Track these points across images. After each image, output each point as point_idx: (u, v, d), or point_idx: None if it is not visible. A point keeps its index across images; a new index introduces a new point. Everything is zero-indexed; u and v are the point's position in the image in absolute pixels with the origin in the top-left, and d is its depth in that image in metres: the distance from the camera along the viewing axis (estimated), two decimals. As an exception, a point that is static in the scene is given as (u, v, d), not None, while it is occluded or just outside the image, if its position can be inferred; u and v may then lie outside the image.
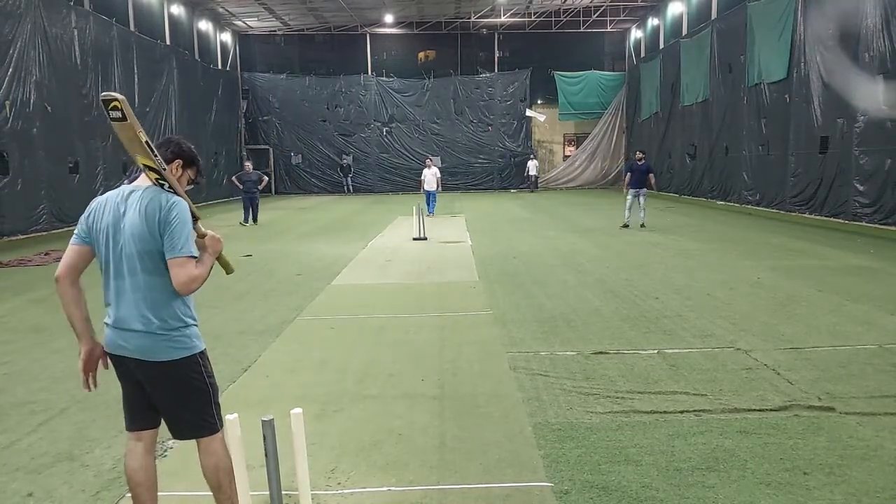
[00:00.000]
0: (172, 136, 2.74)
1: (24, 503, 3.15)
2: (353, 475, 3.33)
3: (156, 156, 2.47)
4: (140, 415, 2.66)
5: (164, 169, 2.50)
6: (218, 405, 2.68)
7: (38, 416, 4.21)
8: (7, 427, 4.05)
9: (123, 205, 2.50)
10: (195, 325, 2.62)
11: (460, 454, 3.53)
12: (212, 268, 2.60)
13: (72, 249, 2.56)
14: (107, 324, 2.57)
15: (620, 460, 3.40)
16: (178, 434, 2.68)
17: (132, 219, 2.46)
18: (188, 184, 2.76)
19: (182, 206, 2.50)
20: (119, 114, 2.36)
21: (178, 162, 2.68)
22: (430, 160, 19.50)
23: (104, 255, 2.52)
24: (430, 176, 18.24)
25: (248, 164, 18.81)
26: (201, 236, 2.60)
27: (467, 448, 3.60)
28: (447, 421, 3.98)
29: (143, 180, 2.57)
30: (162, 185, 2.52)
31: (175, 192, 2.54)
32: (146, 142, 2.43)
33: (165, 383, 2.55)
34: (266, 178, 18.00)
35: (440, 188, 18.89)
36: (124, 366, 2.57)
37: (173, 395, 2.57)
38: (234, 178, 18.19)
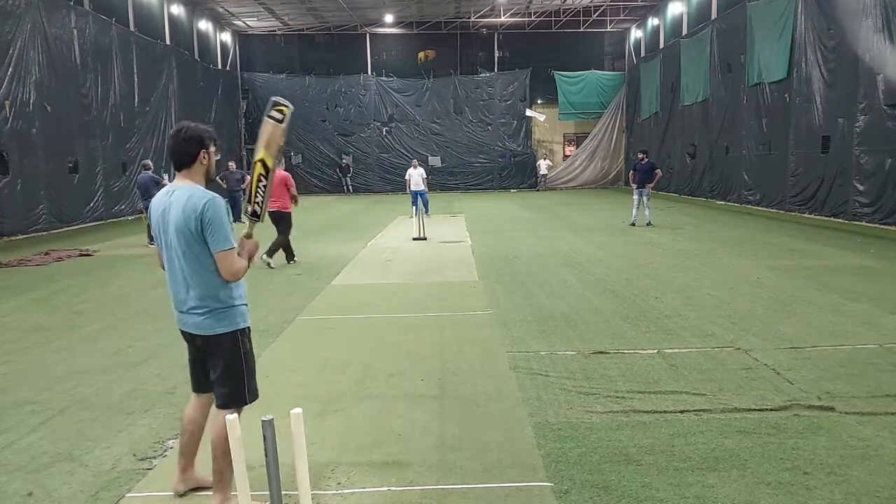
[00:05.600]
0: (188, 125, 2.96)
1: (24, 503, 3.15)
2: (353, 475, 3.32)
3: (280, 161, 2.94)
4: (195, 379, 3.10)
5: (273, 171, 2.93)
6: (252, 380, 2.97)
7: (38, 416, 4.21)
8: (7, 427, 4.05)
9: (168, 203, 2.83)
10: (239, 306, 2.93)
11: (460, 454, 3.52)
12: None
13: (158, 250, 3.02)
14: (173, 304, 2.97)
15: (620, 460, 3.40)
16: (218, 401, 2.97)
17: (175, 216, 2.79)
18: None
19: (218, 203, 2.80)
20: (281, 116, 2.86)
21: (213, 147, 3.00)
22: (416, 161, 19.21)
23: (161, 246, 2.93)
24: (417, 176, 17.94)
25: (232, 164, 18.88)
26: (247, 237, 2.95)
27: (467, 448, 3.60)
28: (447, 421, 3.98)
29: (179, 179, 2.90)
30: (261, 181, 2.92)
31: (264, 192, 2.94)
32: (281, 146, 2.88)
33: (212, 354, 2.92)
34: (248, 178, 18.06)
35: (426, 188, 18.58)
36: (187, 337, 2.99)
37: (217, 366, 2.92)
38: (218, 177, 18.11)
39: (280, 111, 2.83)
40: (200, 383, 3.07)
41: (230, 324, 2.88)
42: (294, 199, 9.81)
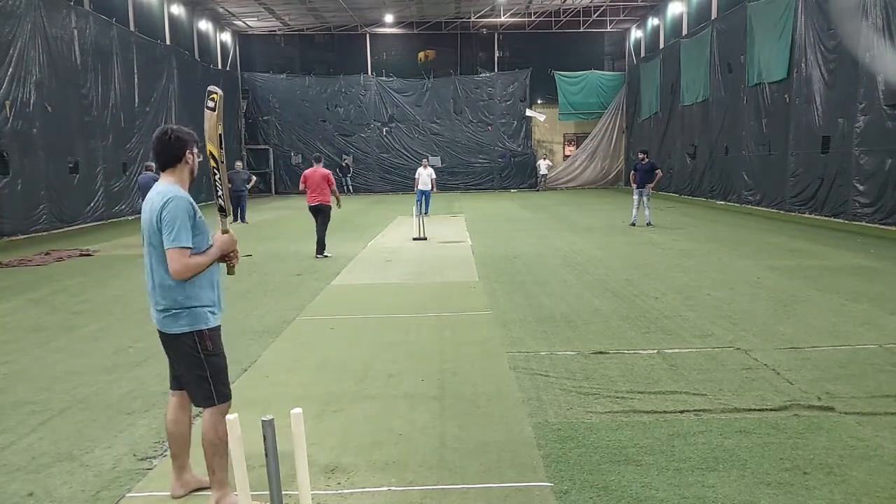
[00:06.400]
0: (172, 127, 3.05)
1: (24, 503, 3.15)
2: (353, 475, 3.32)
3: (221, 148, 2.92)
4: (172, 375, 3.14)
5: (223, 162, 2.96)
6: (216, 381, 2.97)
7: (38, 416, 4.21)
8: (7, 427, 4.05)
9: (148, 199, 2.93)
10: (198, 307, 2.91)
11: (460, 454, 3.53)
12: (214, 261, 2.94)
13: None
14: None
15: (620, 460, 3.40)
16: (191, 399, 3.07)
17: (145, 213, 2.90)
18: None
19: (176, 202, 2.82)
20: (213, 104, 2.89)
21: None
22: (426, 160, 19.36)
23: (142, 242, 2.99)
24: (426, 176, 18.02)
25: (238, 164, 18.95)
26: (223, 232, 2.97)
27: (467, 448, 3.60)
28: (447, 421, 3.98)
29: (163, 179, 2.97)
30: (215, 174, 2.95)
31: (220, 183, 2.95)
32: (220, 134, 2.92)
33: (172, 353, 3.00)
34: (255, 178, 18.24)
35: (435, 188, 18.70)
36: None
37: (179, 364, 3.00)
38: None
39: (212, 99, 2.89)
40: (176, 379, 3.12)
41: (187, 324, 2.89)
42: (336, 199, 10.84)
